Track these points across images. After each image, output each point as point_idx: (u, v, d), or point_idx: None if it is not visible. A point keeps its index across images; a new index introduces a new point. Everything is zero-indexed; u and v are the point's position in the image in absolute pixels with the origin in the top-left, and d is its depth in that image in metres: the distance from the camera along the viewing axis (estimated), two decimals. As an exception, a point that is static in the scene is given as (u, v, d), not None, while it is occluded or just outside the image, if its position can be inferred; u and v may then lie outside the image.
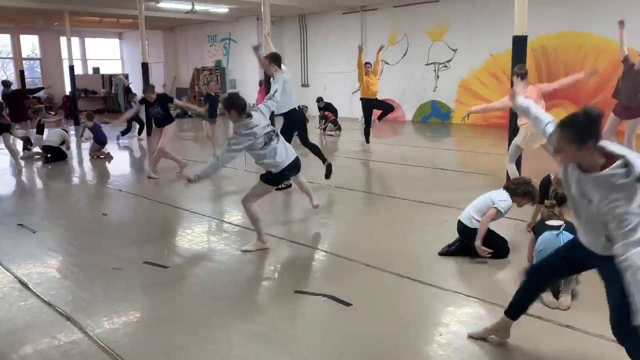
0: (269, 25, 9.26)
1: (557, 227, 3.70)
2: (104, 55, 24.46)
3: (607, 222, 2.29)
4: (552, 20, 12.52)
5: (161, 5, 15.20)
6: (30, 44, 22.30)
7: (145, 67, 14.11)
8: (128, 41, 24.16)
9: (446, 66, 15.27)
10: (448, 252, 4.46)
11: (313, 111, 14.61)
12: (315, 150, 6.94)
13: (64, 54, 19.42)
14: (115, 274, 4.27)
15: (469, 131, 13.32)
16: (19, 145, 10.69)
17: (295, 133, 6.93)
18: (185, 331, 3.28)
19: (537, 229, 3.88)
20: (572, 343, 3.04)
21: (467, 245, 4.40)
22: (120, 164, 10.34)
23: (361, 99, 10.37)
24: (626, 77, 7.22)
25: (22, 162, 9.76)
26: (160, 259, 4.57)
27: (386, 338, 3.15)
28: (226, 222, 5.77)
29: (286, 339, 3.16)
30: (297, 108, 6.65)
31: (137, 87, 16.95)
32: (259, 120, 4.49)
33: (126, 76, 22.34)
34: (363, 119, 10.78)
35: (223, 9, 17.36)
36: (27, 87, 17.61)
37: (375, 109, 10.56)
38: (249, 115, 4.44)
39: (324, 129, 13.42)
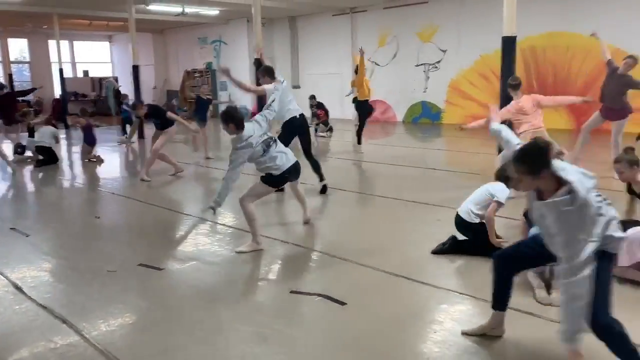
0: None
1: None
2: (93, 58, 24.36)
3: (559, 242, 2.48)
4: (541, 21, 12.66)
5: (151, 7, 15.16)
6: (18, 47, 22.15)
7: (135, 69, 14.07)
8: (118, 44, 24.09)
9: (436, 67, 15.37)
10: (441, 250, 4.51)
11: (305, 110, 14.64)
12: (315, 166, 6.78)
13: (53, 57, 19.33)
14: (110, 276, 4.27)
15: (459, 132, 13.39)
16: (9, 148, 10.64)
17: (297, 141, 6.78)
18: (181, 332, 3.30)
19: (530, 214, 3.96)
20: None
21: (460, 243, 4.45)
22: (112, 167, 10.30)
23: (360, 100, 10.51)
24: (609, 80, 7.35)
25: (13, 166, 9.70)
26: (155, 261, 4.58)
27: (381, 336, 3.18)
28: (220, 224, 5.78)
29: (283, 339, 3.19)
30: (297, 116, 6.56)
31: (127, 90, 16.92)
32: (253, 130, 4.58)
33: (116, 79, 22.26)
34: (357, 120, 10.89)
35: (213, 11, 17.36)
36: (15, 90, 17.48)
37: (369, 111, 10.74)
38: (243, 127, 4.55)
39: (315, 130, 13.46)
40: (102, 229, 5.86)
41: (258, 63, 11.03)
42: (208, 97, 11.65)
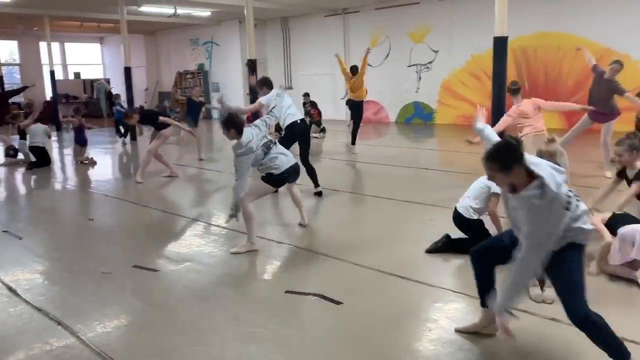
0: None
1: None
2: (84, 60, 24.24)
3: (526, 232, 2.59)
4: (532, 21, 12.75)
5: (143, 9, 15.11)
6: (8, 49, 22.00)
7: (127, 71, 14.03)
8: (109, 45, 23.98)
9: (428, 67, 15.43)
10: (435, 249, 4.53)
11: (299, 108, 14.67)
12: (311, 172, 6.77)
13: (44, 59, 19.22)
14: (105, 278, 4.27)
15: (452, 131, 13.48)
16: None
17: (298, 146, 6.79)
18: (177, 333, 3.30)
19: None
20: (558, 336, 3.12)
21: (453, 241, 4.49)
22: (104, 169, 10.27)
23: (357, 101, 10.55)
24: (596, 85, 7.43)
25: (4, 169, 9.66)
26: (149, 263, 4.58)
27: (377, 335, 3.20)
28: (214, 225, 5.78)
29: (278, 339, 3.20)
30: (298, 121, 6.58)
31: (119, 92, 16.82)
32: (252, 134, 4.67)
33: (108, 81, 22.17)
34: (353, 121, 10.90)
35: (205, 13, 17.33)
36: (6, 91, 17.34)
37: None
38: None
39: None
40: (96, 231, 5.84)
41: (250, 64, 11.06)
42: (200, 99, 11.58)
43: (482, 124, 3.52)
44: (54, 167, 10.09)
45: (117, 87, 19.28)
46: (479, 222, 4.46)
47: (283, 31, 18.75)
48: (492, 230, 4.50)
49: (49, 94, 19.67)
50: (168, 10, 15.85)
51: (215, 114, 19.78)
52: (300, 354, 3.04)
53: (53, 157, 10.67)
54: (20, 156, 10.51)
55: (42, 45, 19.91)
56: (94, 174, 9.53)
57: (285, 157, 4.86)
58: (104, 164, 10.73)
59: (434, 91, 15.27)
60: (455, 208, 4.56)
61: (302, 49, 18.36)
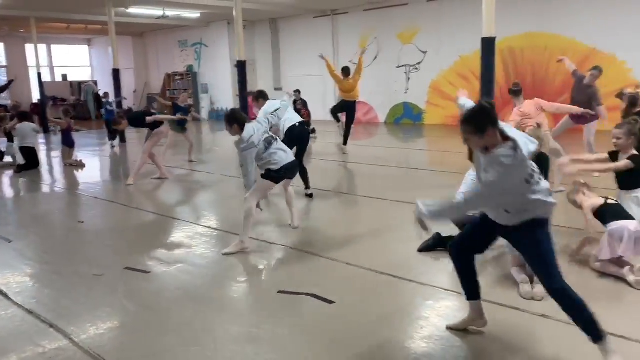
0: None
1: None
2: (72, 62, 24.08)
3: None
4: (519, 22, 12.88)
5: (131, 11, 15.06)
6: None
7: (116, 73, 13.96)
8: (97, 47, 23.85)
9: (417, 68, 15.53)
10: (427, 247, 4.57)
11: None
12: (303, 173, 6.76)
13: (31, 61, 19.05)
14: (97, 280, 4.26)
15: (441, 131, 13.57)
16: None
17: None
18: (170, 334, 3.31)
19: None
20: (547, 332, 3.17)
21: (444, 240, 4.52)
22: (93, 171, 10.21)
23: (351, 101, 10.52)
24: (577, 90, 7.53)
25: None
26: (141, 265, 4.57)
27: (370, 333, 3.23)
28: (205, 227, 5.78)
29: (272, 339, 3.22)
30: (296, 124, 6.58)
31: (107, 94, 16.71)
32: (253, 130, 4.77)
33: (95, 83, 22.04)
34: (345, 121, 10.87)
35: (194, 14, 17.30)
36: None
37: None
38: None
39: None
40: (86, 234, 5.82)
41: (240, 65, 11.05)
42: (186, 105, 11.31)
43: (464, 99, 3.72)
44: (42, 170, 10.02)
45: (105, 89, 19.16)
46: (474, 217, 4.47)
47: (272, 32, 18.77)
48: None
49: (36, 96, 19.51)
50: (157, 11, 15.81)
51: (204, 115, 19.77)
52: (293, 353, 3.06)
53: (41, 159, 10.58)
54: (8, 159, 10.42)
55: (29, 47, 19.74)
56: (83, 176, 9.48)
57: (285, 154, 4.96)
58: (93, 166, 10.67)
59: (423, 92, 15.37)
60: None
61: (291, 50, 18.39)
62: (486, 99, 2.89)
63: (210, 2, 14.31)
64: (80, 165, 10.28)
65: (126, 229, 5.91)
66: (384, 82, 15.97)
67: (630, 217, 3.93)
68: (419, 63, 15.42)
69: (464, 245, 3.07)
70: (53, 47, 23.18)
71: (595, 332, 2.64)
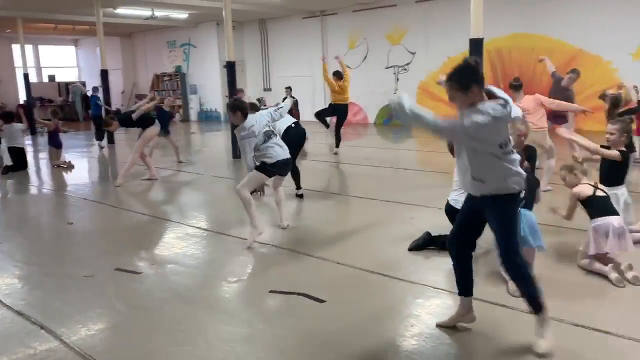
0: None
1: None
2: (59, 62, 23.89)
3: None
4: (506, 23, 13.00)
5: (119, 11, 14.98)
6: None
7: (104, 74, 13.88)
8: (84, 48, 23.69)
9: (405, 69, 15.60)
10: (417, 246, 4.61)
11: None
12: (295, 173, 6.76)
13: (17, 61, 18.87)
14: (87, 281, 4.24)
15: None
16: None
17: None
18: (162, 334, 3.31)
19: None
20: (535, 329, 3.21)
21: (434, 239, 4.56)
22: (82, 172, 10.15)
23: (342, 104, 10.59)
24: (555, 91, 7.64)
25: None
26: (131, 265, 4.57)
27: (361, 331, 3.26)
28: (195, 227, 5.78)
29: (263, 337, 3.24)
30: (292, 125, 6.59)
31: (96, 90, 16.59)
32: (255, 120, 4.94)
33: (83, 83, 21.88)
34: (336, 123, 10.90)
35: (183, 15, 17.25)
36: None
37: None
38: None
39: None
40: (76, 235, 5.79)
41: (229, 66, 11.03)
42: (170, 109, 11.20)
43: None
44: (30, 171, 9.94)
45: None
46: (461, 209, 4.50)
47: (261, 33, 18.76)
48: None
49: (22, 97, 19.33)
50: (145, 12, 15.74)
51: (193, 116, 19.70)
52: (285, 351, 3.08)
53: (28, 160, 10.50)
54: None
55: (15, 47, 19.55)
56: (71, 177, 9.42)
57: (281, 149, 5.06)
58: (81, 167, 10.60)
59: (412, 93, 15.42)
60: (447, 201, 4.61)
61: (280, 50, 18.39)
62: (473, 57, 2.89)
63: (199, 2, 14.29)
64: (69, 166, 10.21)
65: (116, 230, 5.90)
66: (373, 82, 16.02)
67: (615, 212, 3.99)
68: (407, 64, 15.50)
69: (459, 239, 3.10)
70: (40, 47, 22.99)
71: (536, 305, 2.89)
